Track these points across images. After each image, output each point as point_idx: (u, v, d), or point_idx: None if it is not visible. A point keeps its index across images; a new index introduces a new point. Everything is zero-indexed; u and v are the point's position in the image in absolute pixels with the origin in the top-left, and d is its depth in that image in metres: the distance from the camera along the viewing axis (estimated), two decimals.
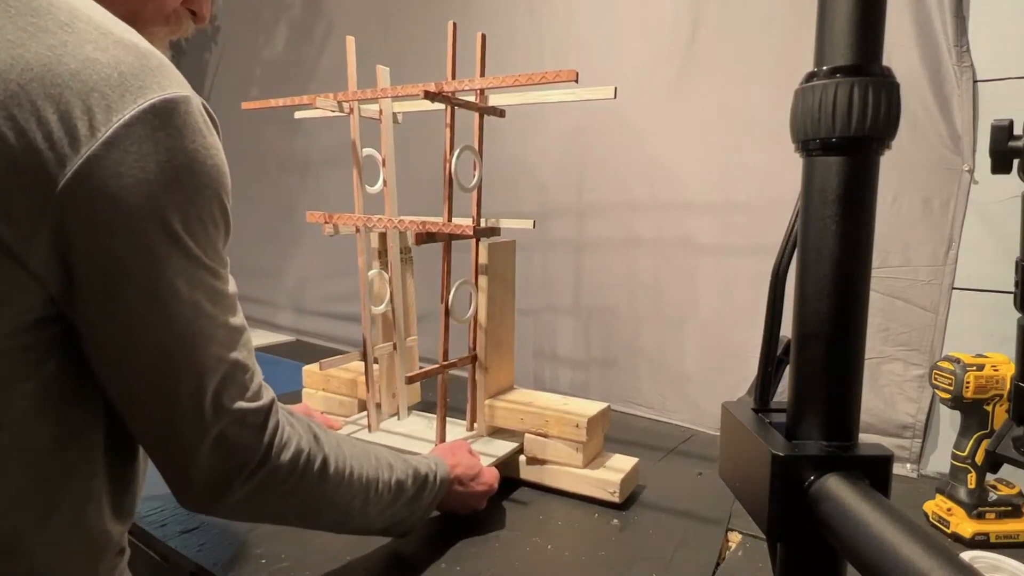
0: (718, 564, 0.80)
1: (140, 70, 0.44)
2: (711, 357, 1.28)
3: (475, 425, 1.07)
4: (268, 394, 0.55)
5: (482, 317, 1.04)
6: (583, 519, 0.91)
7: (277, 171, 2.07)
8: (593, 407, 1.00)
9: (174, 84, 0.45)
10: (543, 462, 0.99)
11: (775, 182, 1.14)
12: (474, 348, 1.05)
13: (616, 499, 0.94)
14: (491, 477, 0.88)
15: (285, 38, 2.03)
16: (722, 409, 0.49)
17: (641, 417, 1.35)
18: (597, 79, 1.36)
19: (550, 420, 0.97)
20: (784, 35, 1.12)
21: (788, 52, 1.10)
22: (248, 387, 0.53)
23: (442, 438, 1.01)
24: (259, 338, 1.99)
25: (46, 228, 0.42)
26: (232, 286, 0.53)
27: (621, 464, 0.99)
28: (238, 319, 0.53)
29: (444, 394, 1.00)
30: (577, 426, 0.95)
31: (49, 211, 0.42)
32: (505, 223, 1.04)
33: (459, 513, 0.86)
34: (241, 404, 0.51)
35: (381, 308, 1.12)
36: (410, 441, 1.03)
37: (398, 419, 1.13)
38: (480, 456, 0.92)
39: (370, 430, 1.08)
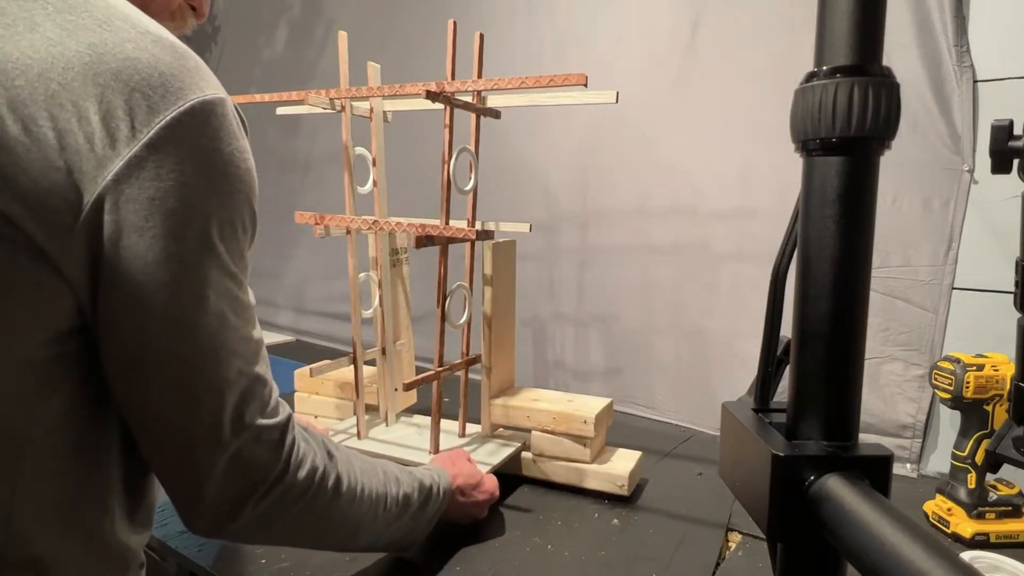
0: (718, 564, 0.80)
1: (179, 71, 0.43)
2: (710, 357, 1.28)
3: (467, 431, 1.06)
4: (285, 410, 0.54)
5: (486, 319, 1.04)
6: (583, 519, 0.91)
7: (278, 171, 2.07)
8: (598, 403, 1.01)
9: (211, 86, 0.45)
10: (551, 458, 1.00)
11: (779, 182, 1.14)
12: (468, 352, 1.04)
13: (624, 492, 0.95)
14: (492, 485, 0.87)
15: (285, 38, 2.03)
16: (722, 409, 0.49)
17: (641, 417, 1.35)
18: (598, 79, 1.36)
19: (557, 417, 0.98)
20: (784, 35, 1.13)
21: (788, 52, 1.10)
22: (268, 403, 0.51)
23: (436, 445, 0.99)
24: None
25: (83, 232, 0.41)
26: (252, 297, 0.52)
27: (626, 458, 1.00)
28: (258, 332, 0.52)
29: (439, 400, 0.99)
30: (585, 422, 0.96)
31: (86, 214, 0.41)
32: (504, 226, 1.03)
33: (460, 523, 0.85)
34: (260, 420, 0.50)
35: (369, 312, 1.10)
36: (401, 449, 1.01)
37: (385, 426, 1.12)
38: (477, 464, 0.91)
39: (359, 437, 1.06)
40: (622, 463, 0.98)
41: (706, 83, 1.23)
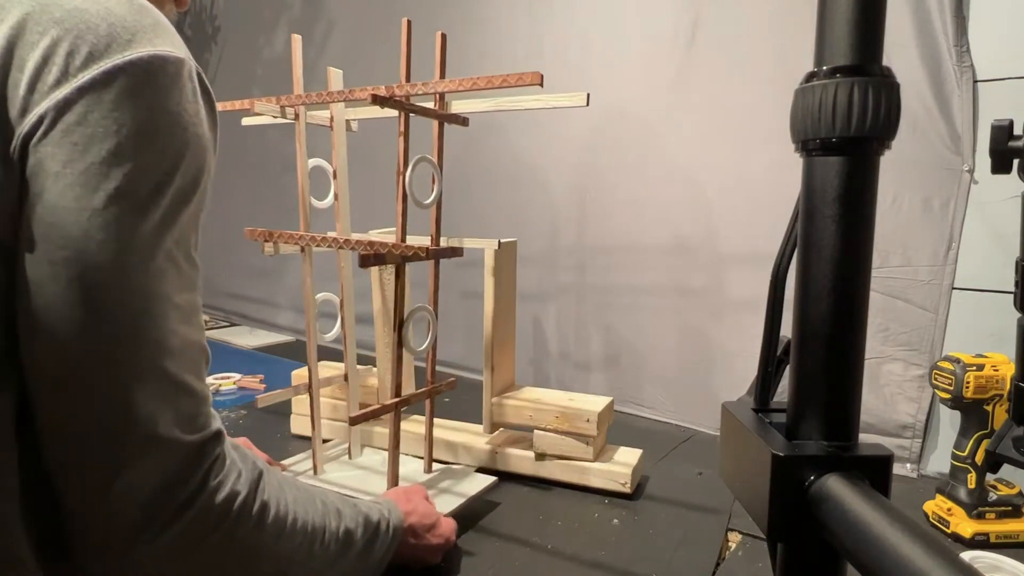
0: (718, 564, 0.80)
1: (132, 24, 0.40)
2: (710, 357, 1.28)
3: (433, 466, 1.00)
4: (214, 424, 0.47)
5: (488, 318, 1.04)
6: (583, 519, 0.91)
7: (279, 171, 2.07)
8: (600, 401, 1.01)
9: (167, 44, 0.42)
10: (553, 457, 1.00)
11: (779, 182, 1.14)
12: (433, 380, 0.96)
13: (627, 489, 0.95)
14: (448, 529, 0.77)
15: (285, 38, 2.03)
16: (722, 409, 0.49)
17: (641, 417, 1.35)
18: (598, 79, 1.37)
19: (560, 416, 0.98)
20: (784, 35, 1.13)
21: (788, 52, 1.10)
22: (193, 416, 0.44)
23: (395, 480, 0.90)
24: (259, 338, 1.99)
25: (11, 186, 0.37)
26: (198, 293, 0.45)
27: (627, 456, 1.01)
28: (196, 332, 0.45)
29: (397, 433, 0.89)
30: (587, 420, 0.96)
31: (13, 163, 0.37)
32: (468, 243, 0.97)
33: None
34: (178, 434, 0.43)
35: (331, 335, 1.03)
36: (365, 478, 0.96)
37: (348, 458, 1.05)
38: (437, 502, 0.84)
39: (315, 472, 0.98)
40: (624, 461, 0.99)
41: (706, 83, 1.23)
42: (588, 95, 0.84)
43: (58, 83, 0.38)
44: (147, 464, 0.42)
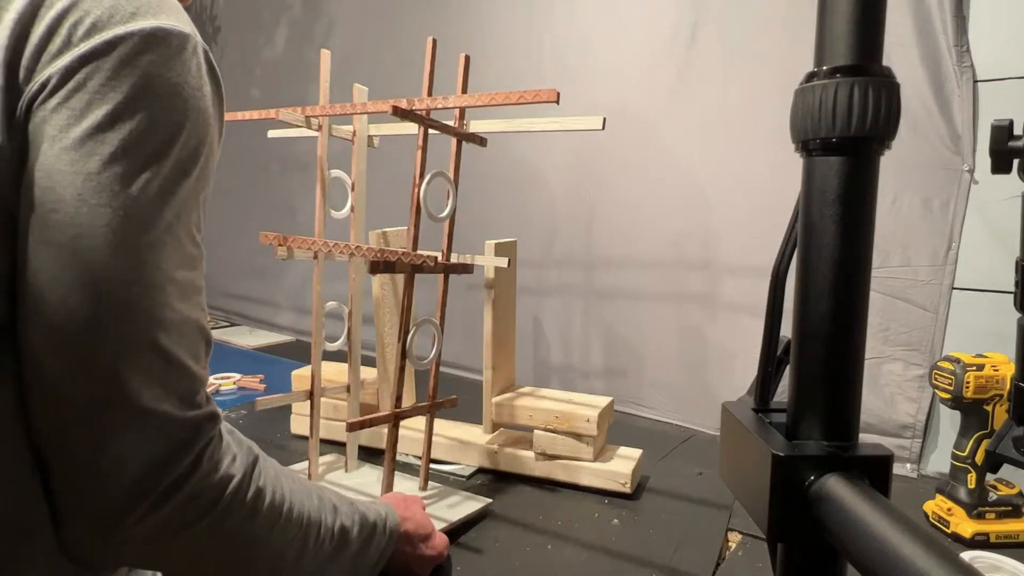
0: (718, 564, 0.80)
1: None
2: (711, 357, 1.28)
3: (428, 483, 0.97)
4: (209, 407, 0.45)
5: (488, 318, 1.04)
6: (583, 519, 0.91)
7: (279, 171, 2.07)
8: (600, 401, 1.02)
9: (173, 19, 0.42)
10: (553, 457, 1.00)
11: (779, 183, 1.14)
12: (435, 396, 0.94)
13: (627, 489, 0.95)
14: (442, 544, 0.75)
15: (285, 38, 2.03)
16: (722, 409, 0.49)
17: (642, 417, 1.35)
18: (598, 80, 1.37)
19: (560, 416, 0.98)
20: (784, 35, 1.12)
21: (788, 52, 1.10)
22: (183, 392, 0.43)
23: (389, 489, 0.88)
24: (259, 338, 1.99)
25: (13, 154, 0.38)
26: (200, 274, 0.45)
27: (627, 456, 1.01)
28: (195, 310, 0.44)
29: (394, 446, 0.88)
30: (588, 420, 0.96)
31: (14, 131, 0.38)
32: (480, 260, 0.97)
33: None
34: (166, 408, 0.41)
35: (336, 345, 1.03)
36: (360, 490, 0.94)
37: (345, 471, 1.03)
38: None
39: (310, 479, 0.97)
40: (624, 461, 0.99)
41: (706, 83, 1.23)
42: (604, 119, 0.85)
43: (61, 52, 0.38)
44: (133, 438, 0.40)
